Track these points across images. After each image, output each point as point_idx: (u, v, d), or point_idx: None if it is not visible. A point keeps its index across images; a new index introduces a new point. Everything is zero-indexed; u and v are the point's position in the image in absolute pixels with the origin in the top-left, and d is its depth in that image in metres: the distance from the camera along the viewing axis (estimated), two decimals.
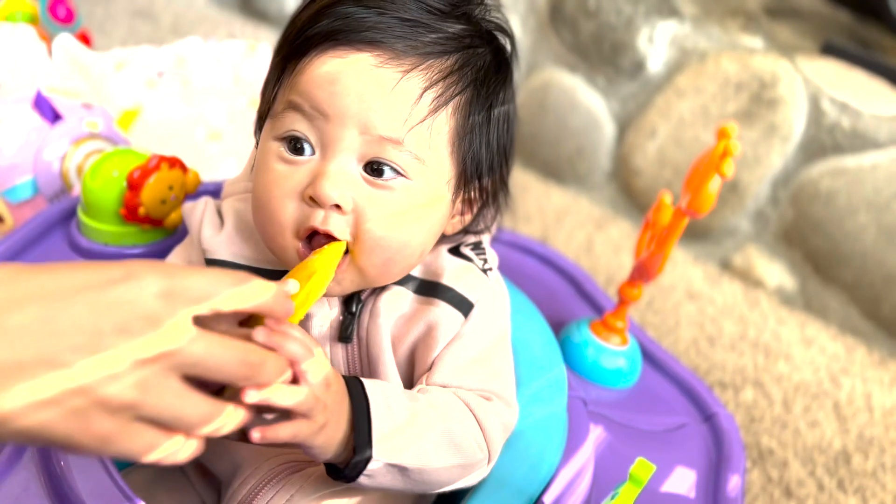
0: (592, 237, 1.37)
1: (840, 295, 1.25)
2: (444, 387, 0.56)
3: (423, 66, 0.53)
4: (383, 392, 0.51)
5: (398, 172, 0.53)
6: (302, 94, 0.53)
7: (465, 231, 0.63)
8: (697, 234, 1.36)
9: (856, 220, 1.20)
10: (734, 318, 1.23)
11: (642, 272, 0.71)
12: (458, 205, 0.59)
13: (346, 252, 0.53)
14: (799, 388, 1.11)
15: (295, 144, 0.53)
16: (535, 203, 1.44)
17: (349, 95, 0.51)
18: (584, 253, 1.32)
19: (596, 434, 0.66)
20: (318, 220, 0.52)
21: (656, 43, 1.35)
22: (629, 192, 1.45)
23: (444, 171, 0.55)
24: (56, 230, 0.73)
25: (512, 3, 1.51)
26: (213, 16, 1.87)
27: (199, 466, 0.62)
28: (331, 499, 0.56)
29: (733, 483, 0.65)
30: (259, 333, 0.42)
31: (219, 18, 1.86)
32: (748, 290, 1.30)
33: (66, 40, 1.08)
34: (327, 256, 0.51)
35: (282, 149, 0.54)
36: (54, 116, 0.89)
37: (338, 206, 0.52)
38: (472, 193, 0.59)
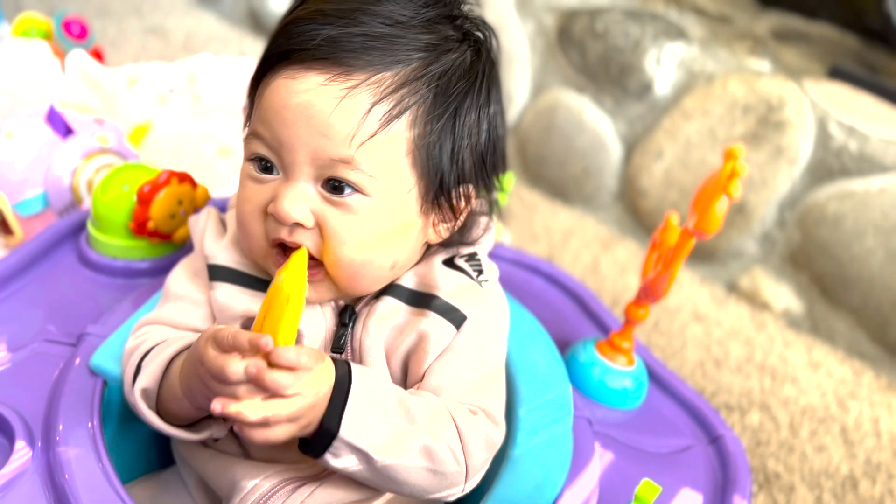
0: (599, 257, 1.37)
1: (847, 318, 1.25)
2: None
3: (372, 80, 0.52)
4: (369, 379, 0.52)
5: (354, 189, 0.54)
6: (262, 122, 0.54)
7: (460, 242, 0.63)
8: (704, 255, 1.36)
9: (863, 244, 1.20)
10: (741, 341, 1.23)
11: (648, 293, 0.71)
12: (434, 214, 0.59)
13: (322, 267, 0.55)
14: (806, 411, 1.11)
15: (262, 164, 0.56)
16: (542, 222, 1.44)
17: (297, 121, 0.52)
18: (590, 273, 1.32)
19: (601, 455, 0.66)
20: (286, 233, 0.55)
21: (664, 65, 1.36)
22: (636, 213, 1.45)
23: (403, 183, 0.55)
24: (65, 243, 0.74)
25: (521, 23, 1.52)
26: (224, 33, 1.89)
27: (200, 483, 0.62)
28: None
29: None
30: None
31: (230, 36, 1.88)
32: (755, 313, 1.30)
33: (79, 56, 1.10)
34: (293, 270, 0.51)
35: (252, 168, 0.56)
36: (66, 131, 0.90)
37: (300, 224, 0.54)
38: (454, 201, 0.59)
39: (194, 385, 0.51)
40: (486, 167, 0.61)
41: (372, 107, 0.52)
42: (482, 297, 0.61)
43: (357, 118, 0.52)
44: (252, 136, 0.55)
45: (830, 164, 1.22)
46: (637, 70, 1.38)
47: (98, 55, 1.22)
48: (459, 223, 0.61)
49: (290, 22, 0.55)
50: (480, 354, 0.60)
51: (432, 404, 0.55)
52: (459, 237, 0.63)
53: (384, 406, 0.52)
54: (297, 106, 0.52)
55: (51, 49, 1.11)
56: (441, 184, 0.57)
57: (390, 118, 0.53)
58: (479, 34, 0.59)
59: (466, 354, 0.59)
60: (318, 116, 0.52)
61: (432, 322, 0.58)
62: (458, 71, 0.56)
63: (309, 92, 0.52)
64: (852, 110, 1.22)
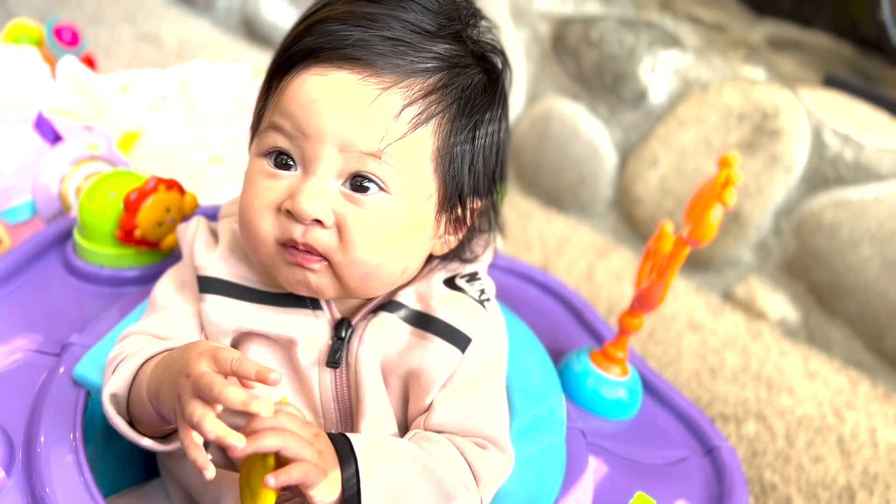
0: (593, 265, 1.36)
1: (843, 328, 1.24)
2: (441, 431, 0.56)
3: (403, 84, 0.53)
4: (376, 451, 0.51)
5: (379, 186, 0.53)
6: (284, 114, 0.54)
7: (460, 259, 0.62)
8: (699, 264, 1.36)
9: (859, 253, 1.19)
10: (736, 350, 1.22)
11: (643, 302, 0.70)
12: (444, 225, 0.59)
13: (327, 262, 0.54)
14: (802, 421, 1.10)
15: (279, 160, 0.54)
16: (537, 231, 1.43)
17: (328, 114, 0.52)
18: (584, 281, 1.31)
19: (595, 467, 0.65)
20: (298, 233, 0.53)
21: (658, 73, 1.36)
22: (631, 221, 1.44)
23: (425, 187, 0.55)
24: (51, 251, 0.73)
25: (515, 31, 1.52)
26: (218, 41, 1.89)
27: (185, 495, 0.61)
28: None
29: None
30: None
31: (224, 43, 1.88)
32: (750, 322, 1.29)
33: (70, 63, 1.09)
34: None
35: (265, 164, 0.55)
36: (55, 138, 0.89)
37: (319, 222, 0.53)
38: (459, 214, 0.59)
39: (164, 392, 0.49)
40: (493, 182, 0.61)
41: (403, 109, 0.53)
42: (485, 320, 0.61)
43: (389, 117, 0.53)
44: (270, 129, 0.55)
45: (826, 172, 1.21)
46: (632, 78, 1.37)
47: (90, 62, 1.21)
48: (461, 235, 0.61)
49: (317, 21, 0.55)
50: (486, 380, 0.59)
51: (443, 448, 0.55)
52: (460, 253, 0.63)
53: (399, 464, 0.52)
54: (330, 100, 0.52)
55: (41, 55, 1.10)
56: (460, 195, 0.58)
57: (418, 122, 0.54)
58: (494, 54, 0.60)
59: (472, 383, 0.58)
60: (353, 109, 0.52)
61: (436, 347, 0.57)
62: (480, 86, 0.57)
63: (343, 88, 0.52)
64: (847, 119, 1.22)
